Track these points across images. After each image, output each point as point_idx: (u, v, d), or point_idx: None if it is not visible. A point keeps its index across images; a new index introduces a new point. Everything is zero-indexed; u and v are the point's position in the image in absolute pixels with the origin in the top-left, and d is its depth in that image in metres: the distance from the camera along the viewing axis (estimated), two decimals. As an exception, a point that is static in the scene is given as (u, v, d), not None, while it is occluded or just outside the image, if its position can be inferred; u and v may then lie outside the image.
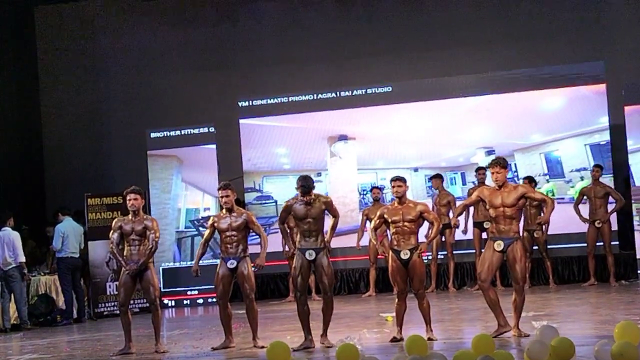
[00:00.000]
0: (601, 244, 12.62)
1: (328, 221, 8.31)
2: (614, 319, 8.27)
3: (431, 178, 13.53)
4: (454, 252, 13.35)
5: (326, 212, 8.21)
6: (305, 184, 8.05)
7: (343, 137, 14.51)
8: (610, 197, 12.68)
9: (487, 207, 8.03)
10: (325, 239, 8.21)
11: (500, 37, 14.87)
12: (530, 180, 12.64)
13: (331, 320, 8.23)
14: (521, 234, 12.02)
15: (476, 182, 13.11)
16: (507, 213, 7.89)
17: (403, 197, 8.18)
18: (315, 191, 8.21)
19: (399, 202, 8.18)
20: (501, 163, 7.94)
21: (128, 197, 8.72)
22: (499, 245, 7.90)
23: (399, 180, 8.18)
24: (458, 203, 13.14)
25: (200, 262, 8.70)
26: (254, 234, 8.69)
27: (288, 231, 8.62)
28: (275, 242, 12.74)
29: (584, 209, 12.72)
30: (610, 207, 12.66)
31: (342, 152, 14.52)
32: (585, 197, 12.73)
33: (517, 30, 14.85)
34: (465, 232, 13.05)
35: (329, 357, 7.27)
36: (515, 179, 13.38)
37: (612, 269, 12.54)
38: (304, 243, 8.15)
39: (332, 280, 8.22)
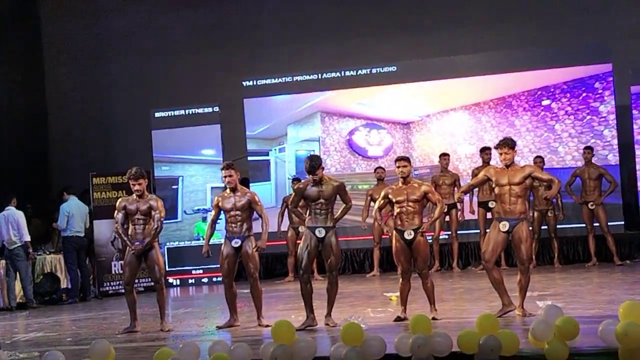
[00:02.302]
0: (596, 224, 12.60)
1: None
2: (618, 298, 8.25)
3: (441, 156, 13.46)
4: (459, 232, 13.35)
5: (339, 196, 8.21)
6: (312, 163, 8.04)
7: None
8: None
9: (494, 185, 8.01)
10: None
11: (507, 16, 14.77)
12: (542, 160, 12.66)
13: (336, 300, 8.24)
14: (531, 214, 12.19)
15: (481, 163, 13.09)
16: (513, 192, 7.85)
17: (407, 177, 8.18)
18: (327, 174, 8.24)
19: (403, 182, 8.17)
20: (509, 143, 7.92)
21: (131, 184, 8.73)
22: (505, 225, 7.88)
23: (403, 160, 8.17)
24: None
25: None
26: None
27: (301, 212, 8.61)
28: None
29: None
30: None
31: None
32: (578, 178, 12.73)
33: (523, 9, 14.76)
34: (472, 212, 13.04)
35: (333, 337, 7.29)
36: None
37: (613, 249, 12.52)
38: (314, 222, 8.14)
39: (339, 260, 8.22)
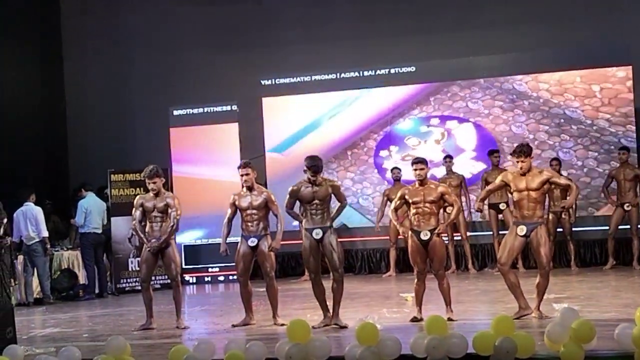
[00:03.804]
0: (626, 227, 12.53)
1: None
2: (635, 302, 8.21)
3: (444, 159, 13.47)
4: (472, 233, 13.31)
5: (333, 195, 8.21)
6: (316, 164, 8.04)
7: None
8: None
9: (512, 191, 8.00)
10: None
11: (526, 17, 14.67)
12: (559, 162, 12.64)
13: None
14: (547, 217, 12.14)
15: (490, 166, 13.07)
16: (531, 197, 7.86)
17: (424, 178, 8.17)
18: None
19: (420, 183, 8.17)
20: (525, 151, 7.89)
21: (147, 182, 8.77)
22: (522, 230, 7.88)
23: (420, 164, 8.15)
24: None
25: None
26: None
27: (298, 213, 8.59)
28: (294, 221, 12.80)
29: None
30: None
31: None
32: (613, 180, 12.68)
33: (543, 10, 14.66)
34: (483, 217, 13.00)
35: (348, 336, 7.29)
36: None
37: (636, 253, 12.45)
38: (310, 223, 8.14)
39: (342, 258, 8.20)
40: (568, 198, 8.19)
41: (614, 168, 12.79)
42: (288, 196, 8.28)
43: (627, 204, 12.45)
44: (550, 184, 8.04)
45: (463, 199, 12.98)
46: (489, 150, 13.14)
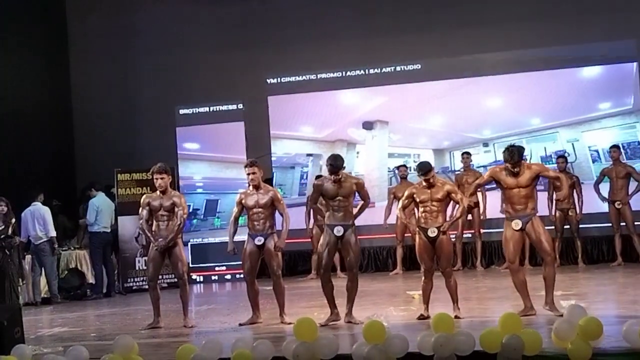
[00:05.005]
0: (622, 224, 12.51)
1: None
2: (643, 299, 8.21)
3: (462, 155, 13.44)
4: (484, 230, 13.28)
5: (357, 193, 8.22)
6: (334, 164, 8.06)
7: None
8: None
9: (503, 187, 8.01)
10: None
11: (531, 14, 14.66)
12: (565, 160, 12.63)
13: (357, 297, 8.24)
14: (553, 213, 12.16)
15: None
16: (522, 193, 7.89)
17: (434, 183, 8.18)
18: (346, 171, 8.29)
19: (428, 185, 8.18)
20: (517, 155, 7.84)
21: (155, 177, 8.79)
22: (517, 224, 7.91)
23: (427, 173, 8.09)
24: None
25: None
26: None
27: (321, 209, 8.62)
28: (299, 220, 12.81)
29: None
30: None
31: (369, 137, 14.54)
32: (606, 177, 12.65)
33: (549, 7, 14.64)
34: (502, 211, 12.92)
35: (355, 334, 7.30)
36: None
37: (639, 250, 12.44)
38: (332, 219, 8.16)
39: (358, 258, 8.24)
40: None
41: (606, 166, 12.78)
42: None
43: (618, 202, 12.44)
44: (539, 178, 8.04)
45: (480, 195, 12.94)
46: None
